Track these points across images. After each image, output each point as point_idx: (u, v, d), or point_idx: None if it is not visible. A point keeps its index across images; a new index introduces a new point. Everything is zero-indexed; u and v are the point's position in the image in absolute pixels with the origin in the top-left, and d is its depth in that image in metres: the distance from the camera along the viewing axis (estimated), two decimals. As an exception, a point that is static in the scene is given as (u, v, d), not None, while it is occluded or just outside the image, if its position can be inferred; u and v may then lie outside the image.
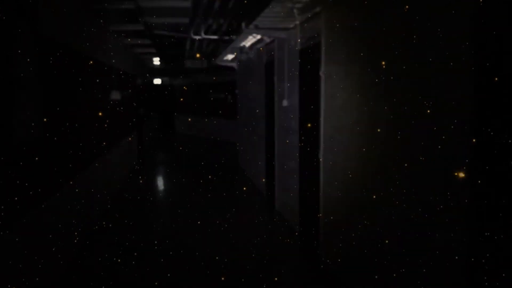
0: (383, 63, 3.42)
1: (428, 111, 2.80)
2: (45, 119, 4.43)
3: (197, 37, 8.51)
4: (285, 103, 6.47)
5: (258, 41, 7.83)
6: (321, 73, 4.85)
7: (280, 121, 7.09)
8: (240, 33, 6.78)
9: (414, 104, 2.99)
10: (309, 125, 5.46)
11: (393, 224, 3.31)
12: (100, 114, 7.07)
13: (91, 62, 6.45)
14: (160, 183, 10.88)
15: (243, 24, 5.99)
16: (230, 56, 10.53)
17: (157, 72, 20.00)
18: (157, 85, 22.12)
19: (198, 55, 12.36)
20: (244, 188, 9.48)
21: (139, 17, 7.94)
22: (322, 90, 4.88)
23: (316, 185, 5.22)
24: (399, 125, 3.22)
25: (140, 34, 9.70)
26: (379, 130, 3.52)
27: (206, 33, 8.52)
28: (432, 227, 2.79)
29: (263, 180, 8.54)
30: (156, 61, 15.39)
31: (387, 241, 3.42)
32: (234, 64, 11.57)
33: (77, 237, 5.62)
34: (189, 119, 21.05)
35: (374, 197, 3.60)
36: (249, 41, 7.79)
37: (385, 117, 3.43)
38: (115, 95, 7.82)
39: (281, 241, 6.15)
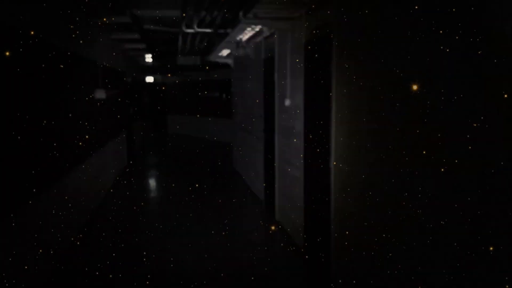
0: (408, 57, 2.78)
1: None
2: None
3: (190, 31, 7.83)
4: (287, 102, 5.81)
5: (256, 34, 7.16)
6: (332, 68, 4.20)
7: (281, 122, 6.43)
8: (237, 24, 6.10)
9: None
10: (317, 127, 4.80)
11: (426, 244, 2.67)
12: (80, 114, 6.36)
13: (64, 54, 5.71)
14: (149, 189, 10.18)
15: (240, 14, 5.32)
16: (225, 52, 9.86)
17: (148, 69, 19.28)
18: (149, 83, 21.38)
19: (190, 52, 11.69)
20: (240, 194, 8.83)
21: (125, 9, 7.27)
22: (334, 88, 4.22)
23: (326, 195, 4.56)
24: (431, 125, 2.58)
25: (128, 28, 9.03)
26: (405, 132, 2.88)
27: (199, 26, 7.85)
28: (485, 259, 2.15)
29: (261, 185, 7.89)
30: (148, 58, 14.78)
31: (417, 264, 2.78)
32: (229, 61, 10.90)
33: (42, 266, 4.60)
34: (182, 119, 20.35)
35: (399, 210, 2.96)
36: (246, 35, 7.12)
37: (414, 117, 2.79)
38: (100, 94, 7.12)
39: (282, 257, 5.51)
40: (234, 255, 5.50)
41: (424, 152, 2.72)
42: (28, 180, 4.23)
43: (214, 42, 9.51)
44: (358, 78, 3.73)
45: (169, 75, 20.79)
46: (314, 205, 5.03)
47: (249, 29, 6.37)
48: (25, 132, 4.16)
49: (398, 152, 3.06)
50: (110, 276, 4.78)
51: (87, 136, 6.77)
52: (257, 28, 6.30)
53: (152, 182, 10.78)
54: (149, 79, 21.26)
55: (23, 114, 4.14)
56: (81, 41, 6.50)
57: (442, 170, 2.52)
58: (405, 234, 2.99)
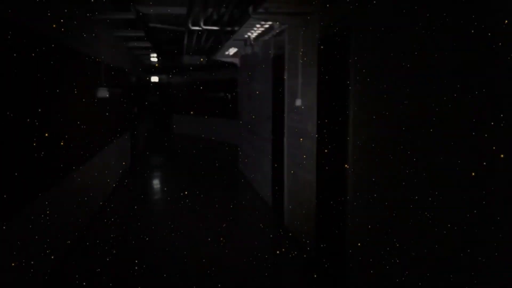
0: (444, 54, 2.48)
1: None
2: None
3: (196, 28, 7.55)
4: (298, 102, 5.52)
5: (264, 32, 6.87)
6: (350, 66, 3.90)
7: (291, 122, 6.14)
8: (245, 20, 5.81)
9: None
10: (331, 128, 4.50)
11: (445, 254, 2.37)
12: (79, 114, 6.09)
13: (66, 51, 5.43)
14: (150, 192, 9.90)
15: (250, 9, 5.03)
16: (232, 51, 9.57)
17: (154, 69, 19.04)
18: (154, 82, 21.15)
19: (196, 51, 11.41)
20: (246, 197, 8.54)
21: (129, 5, 7.00)
22: (351, 87, 3.92)
23: (340, 201, 4.27)
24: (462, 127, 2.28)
25: (132, 25, 8.77)
26: (427, 135, 2.58)
27: (206, 24, 7.57)
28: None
29: (269, 189, 7.60)
30: (153, 57, 14.53)
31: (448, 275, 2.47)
32: (235, 60, 10.61)
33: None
34: (187, 119, 20.09)
35: (419, 219, 2.66)
36: (254, 32, 6.83)
37: (439, 120, 2.49)
38: (102, 93, 6.85)
39: (292, 264, 5.21)
40: (240, 261, 5.21)
41: (449, 157, 2.42)
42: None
43: (221, 40, 9.23)
44: (378, 76, 3.43)
45: (174, 74, 20.55)
46: (327, 211, 4.73)
47: (258, 25, 6.07)
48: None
49: (420, 157, 2.75)
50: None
51: (88, 139, 6.50)
52: (267, 25, 6.01)
53: (154, 185, 10.50)
54: (154, 78, 21.03)
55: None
56: (81, 37, 6.23)
57: (473, 174, 2.23)
58: (423, 243, 2.69)
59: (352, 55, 3.87)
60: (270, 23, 5.76)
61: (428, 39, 2.72)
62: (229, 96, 16.09)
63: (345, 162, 4.12)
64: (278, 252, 5.66)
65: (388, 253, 3.25)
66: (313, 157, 5.10)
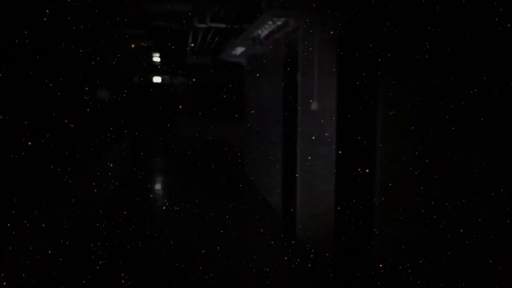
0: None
1: None
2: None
3: (202, 25, 7.13)
4: (314, 106, 5.07)
5: (275, 30, 6.43)
6: (379, 63, 3.46)
7: (306, 127, 5.69)
8: (257, 16, 5.36)
9: None
10: (354, 134, 4.06)
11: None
12: (74, 117, 5.67)
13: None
14: (153, 197, 9.46)
15: (263, 3, 4.59)
16: (239, 50, 9.13)
17: (156, 69, 18.62)
18: (156, 83, 20.73)
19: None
20: (254, 205, 8.09)
21: (131, 1, 6.58)
22: (382, 87, 3.48)
23: (364, 215, 3.83)
24: None
25: (135, 24, 8.35)
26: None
27: (212, 21, 7.15)
28: None
29: (278, 197, 7.15)
30: (156, 57, 14.13)
31: None
32: (242, 60, 10.17)
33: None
34: (191, 121, 19.65)
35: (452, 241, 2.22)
36: (265, 30, 6.39)
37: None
38: (101, 94, 6.43)
39: (308, 278, 4.76)
40: (249, 276, 4.77)
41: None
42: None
43: (227, 39, 8.81)
44: (410, 75, 3.00)
45: (177, 75, 20.16)
46: (348, 225, 4.28)
47: (270, 22, 5.63)
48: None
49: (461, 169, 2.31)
50: None
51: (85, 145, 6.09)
52: (280, 22, 5.57)
53: (156, 190, 10.07)
54: (157, 79, 20.60)
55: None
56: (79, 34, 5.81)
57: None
58: (457, 272, 2.25)
59: (380, 52, 3.43)
60: (283, 19, 5.32)
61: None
62: (236, 97, 15.64)
63: (372, 173, 3.68)
64: (289, 262, 5.22)
65: (419, 273, 2.81)
66: (332, 165, 4.66)
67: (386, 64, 3.40)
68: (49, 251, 4.45)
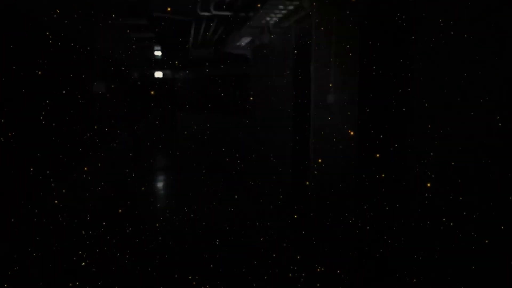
0: None
1: None
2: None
3: (206, 14, 6.64)
4: (331, 99, 4.60)
5: (285, 16, 5.94)
6: (412, 52, 2.98)
7: (320, 122, 5.21)
8: (266, 1, 4.88)
9: None
10: (380, 131, 3.59)
11: None
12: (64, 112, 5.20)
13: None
14: (155, 198, 9.02)
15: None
16: (244, 41, 8.64)
17: (157, 63, 18.16)
18: (157, 78, 20.26)
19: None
20: (261, 206, 7.62)
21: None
22: (416, 77, 3.00)
23: (394, 217, 3.37)
24: None
25: (136, 15, 7.87)
26: None
27: (216, 9, 6.66)
28: None
29: (285, 195, 6.70)
30: (157, 51, 13.66)
31: None
32: (248, 52, 9.69)
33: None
34: (193, 116, 19.18)
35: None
36: (274, 16, 5.90)
37: None
38: (98, 88, 5.97)
39: None
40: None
41: None
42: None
43: (232, 29, 8.31)
44: (451, 61, 2.52)
45: (179, 69, 19.70)
46: (372, 231, 3.82)
47: (281, 7, 5.14)
48: None
49: None
50: None
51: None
52: (291, 6, 5.08)
53: (158, 190, 9.63)
54: (158, 74, 20.13)
55: None
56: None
57: None
58: None
59: (414, 39, 2.95)
60: (296, 3, 4.83)
61: None
62: (240, 92, 15.14)
63: (403, 173, 3.22)
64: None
65: None
66: (350, 164, 4.19)
67: (419, 51, 2.92)
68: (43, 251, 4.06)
